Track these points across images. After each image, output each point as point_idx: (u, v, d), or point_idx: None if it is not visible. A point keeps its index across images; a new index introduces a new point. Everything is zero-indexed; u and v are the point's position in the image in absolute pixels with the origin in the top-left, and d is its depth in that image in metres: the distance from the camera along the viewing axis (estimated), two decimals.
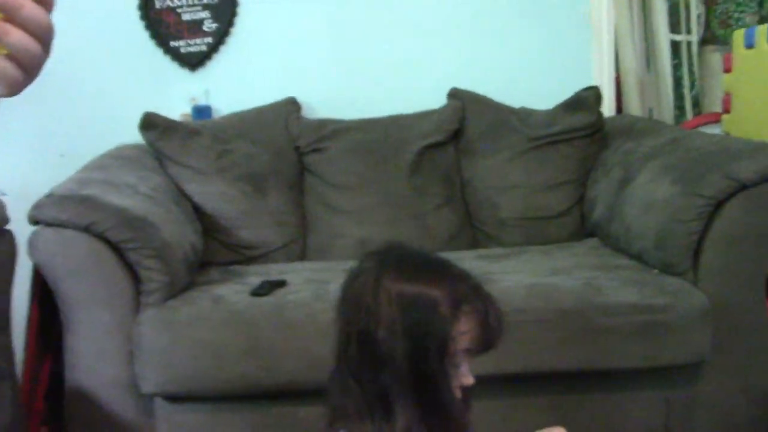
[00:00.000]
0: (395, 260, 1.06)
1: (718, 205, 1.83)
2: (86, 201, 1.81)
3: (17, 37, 0.54)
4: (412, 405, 1.01)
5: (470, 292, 1.04)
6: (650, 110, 2.87)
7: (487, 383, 1.13)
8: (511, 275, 1.95)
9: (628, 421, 1.87)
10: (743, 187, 1.81)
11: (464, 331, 1.02)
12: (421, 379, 1.01)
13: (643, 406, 1.87)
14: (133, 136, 2.40)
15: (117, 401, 1.84)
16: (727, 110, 2.38)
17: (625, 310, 1.79)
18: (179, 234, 2.01)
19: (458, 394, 1.06)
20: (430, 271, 1.05)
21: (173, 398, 1.84)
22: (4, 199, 1.71)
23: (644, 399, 1.87)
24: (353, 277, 1.07)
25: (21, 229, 1.74)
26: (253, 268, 2.25)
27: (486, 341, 1.05)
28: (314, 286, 1.94)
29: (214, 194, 2.35)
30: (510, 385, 1.84)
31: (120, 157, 2.27)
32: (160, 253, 1.83)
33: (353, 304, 1.05)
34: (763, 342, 1.88)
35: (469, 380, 1.06)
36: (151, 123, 2.37)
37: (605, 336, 1.79)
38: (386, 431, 1.01)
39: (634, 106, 2.81)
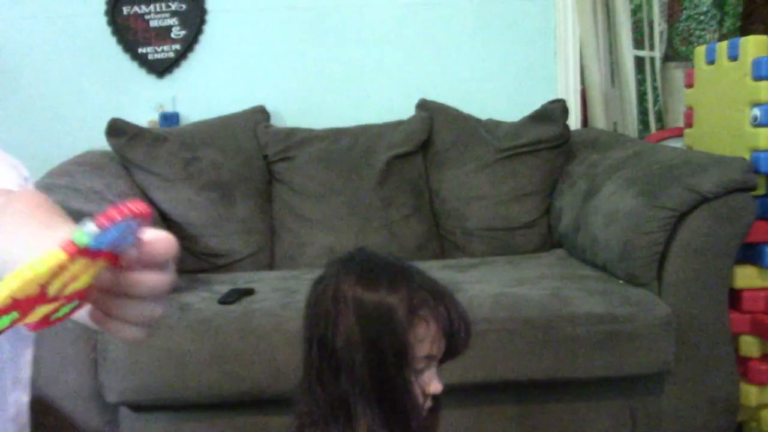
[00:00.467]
0: (356, 267, 1.06)
1: (681, 217, 1.86)
2: None
3: (147, 311, 0.54)
4: (373, 411, 1.01)
5: (430, 298, 1.03)
6: (615, 124, 2.92)
7: (452, 392, 1.14)
8: (477, 285, 1.96)
9: (594, 430, 1.89)
10: (705, 199, 1.84)
11: (423, 337, 1.02)
12: (381, 385, 1.01)
13: (609, 416, 1.89)
14: (99, 142, 2.38)
15: (81, 410, 1.81)
16: (689, 124, 2.41)
17: (590, 320, 1.81)
18: None
19: (424, 401, 1.06)
20: (389, 278, 1.04)
21: (138, 407, 1.82)
22: None
23: (609, 408, 1.89)
24: (317, 284, 1.08)
25: None
26: (220, 276, 2.23)
27: (450, 347, 1.05)
28: (281, 295, 1.93)
29: (181, 202, 2.34)
30: (476, 394, 1.85)
31: (85, 163, 2.24)
32: None
33: (315, 310, 1.05)
34: (726, 352, 1.91)
35: (436, 387, 1.06)
36: (117, 129, 2.35)
37: (571, 345, 1.80)
38: None
39: (599, 120, 2.85)
